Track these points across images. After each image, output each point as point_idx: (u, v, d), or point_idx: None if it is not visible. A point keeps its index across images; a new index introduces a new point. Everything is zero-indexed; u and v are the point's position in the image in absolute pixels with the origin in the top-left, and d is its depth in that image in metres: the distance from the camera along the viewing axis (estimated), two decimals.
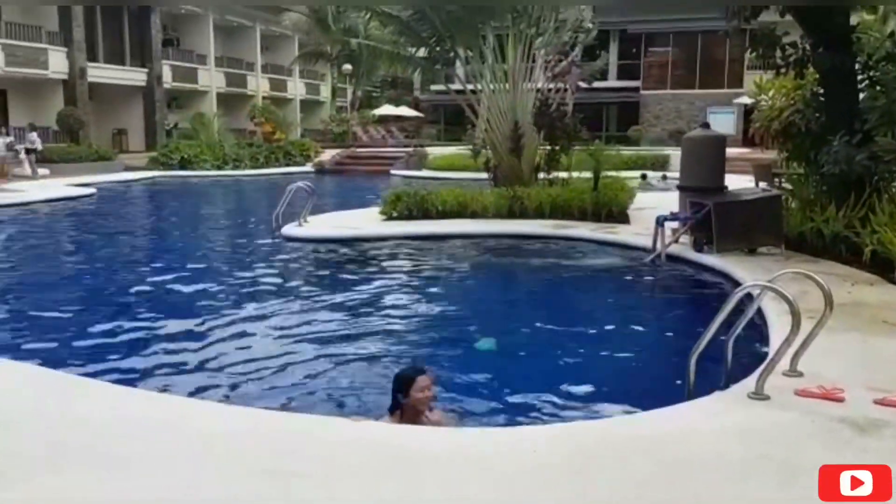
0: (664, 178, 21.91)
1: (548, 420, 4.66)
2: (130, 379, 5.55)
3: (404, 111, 44.65)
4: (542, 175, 15.14)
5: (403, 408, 4.36)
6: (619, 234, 11.59)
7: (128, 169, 27.15)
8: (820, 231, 9.16)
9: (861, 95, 9.76)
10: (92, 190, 20.21)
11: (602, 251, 10.93)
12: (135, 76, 33.56)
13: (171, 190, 23.58)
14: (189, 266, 10.51)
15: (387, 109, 44.01)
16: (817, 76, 10.17)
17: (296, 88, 45.78)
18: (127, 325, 7.21)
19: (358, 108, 42.08)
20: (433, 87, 43.34)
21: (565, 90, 16.09)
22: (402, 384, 4.38)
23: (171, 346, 6.55)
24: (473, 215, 13.31)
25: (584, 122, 15.78)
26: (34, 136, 24.03)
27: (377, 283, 9.19)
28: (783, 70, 10.08)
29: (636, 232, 11.39)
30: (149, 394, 4.80)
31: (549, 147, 15.12)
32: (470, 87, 16.30)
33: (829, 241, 9.03)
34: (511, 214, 13.31)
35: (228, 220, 17.67)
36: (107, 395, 4.56)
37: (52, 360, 5.65)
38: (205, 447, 3.74)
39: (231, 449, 3.72)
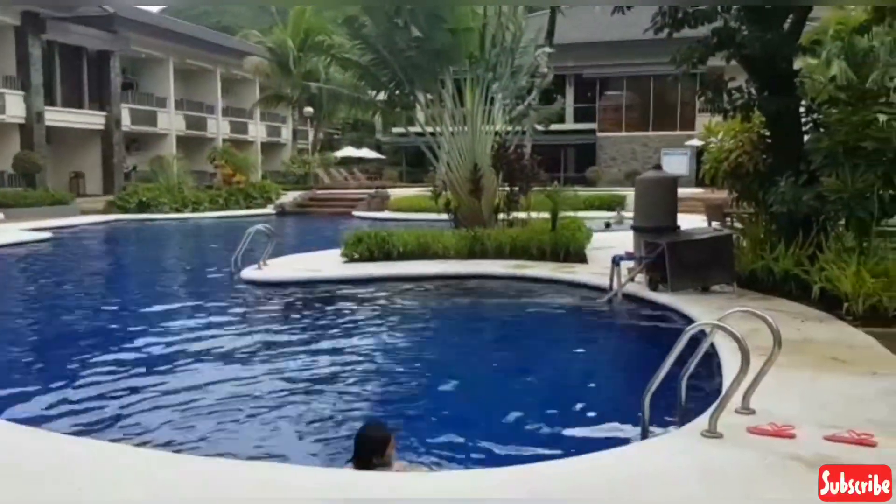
0: (619, 214, 22.52)
1: (503, 462, 4.66)
2: (78, 427, 5.45)
3: (366, 153, 44.86)
4: (501, 216, 15.33)
5: (374, 467, 4.29)
6: (577, 273, 11.72)
7: (85, 213, 26.73)
8: (770, 269, 9.37)
9: (806, 137, 10.10)
10: (47, 234, 19.85)
11: (561, 291, 11.04)
12: (93, 119, 33.29)
13: (129, 234, 23.28)
14: (145, 311, 10.36)
15: (348, 151, 44.16)
16: (764, 119, 10.52)
17: (256, 131, 45.75)
18: (78, 373, 7.07)
19: (319, 150, 42.15)
20: (395, 130, 43.70)
21: (523, 133, 16.38)
22: (379, 444, 4.37)
23: (123, 393, 6.41)
24: (434, 256, 13.38)
25: (542, 164, 16.02)
26: None
27: (337, 326, 9.15)
28: (730, 114, 10.39)
29: (593, 271, 11.54)
30: (102, 444, 4.71)
31: (508, 188, 15.33)
32: (430, 129, 16.50)
33: (780, 279, 9.24)
34: (472, 255, 13.41)
35: (187, 264, 17.47)
36: (53, 444, 4.48)
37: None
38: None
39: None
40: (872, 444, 4.29)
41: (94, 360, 7.60)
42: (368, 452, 4.33)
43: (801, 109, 10.22)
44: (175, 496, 3.74)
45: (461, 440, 5.24)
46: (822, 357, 6.35)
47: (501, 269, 12.40)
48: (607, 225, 21.91)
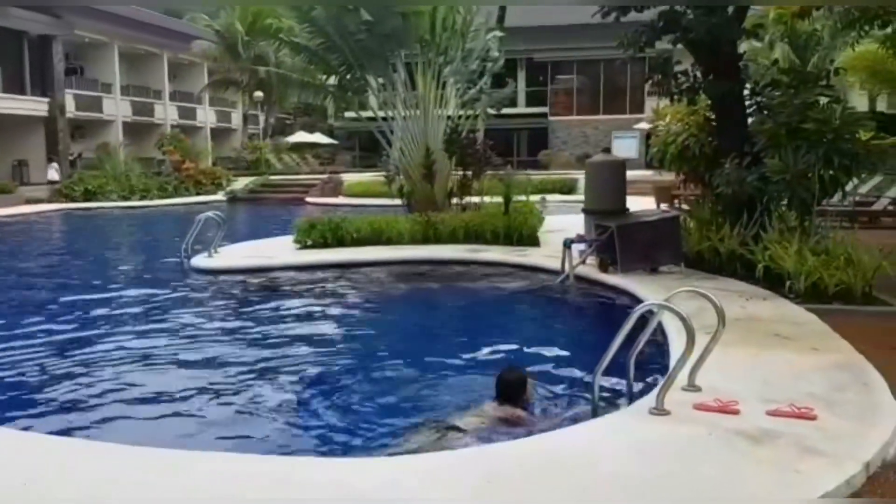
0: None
1: (456, 443, 4.70)
2: (29, 422, 5.34)
3: (319, 138, 44.39)
4: (455, 200, 15.36)
5: (519, 403, 5.03)
6: (530, 256, 11.81)
7: (29, 202, 26.10)
8: (716, 249, 9.57)
9: (749, 120, 10.30)
10: None
11: (514, 274, 11.12)
12: (36, 106, 32.34)
13: (75, 223, 22.75)
14: (92, 301, 10.13)
15: (301, 136, 43.64)
16: (709, 102, 10.70)
17: (206, 116, 44.96)
18: (24, 366, 6.91)
19: (271, 136, 41.62)
20: (347, 114, 43.32)
21: (476, 117, 16.39)
22: (522, 385, 5.10)
23: (72, 385, 6.29)
24: (388, 242, 13.36)
25: (494, 148, 16.07)
26: None
27: (290, 313, 9.09)
28: (677, 97, 10.55)
29: (546, 254, 11.63)
30: (50, 438, 4.63)
31: (461, 173, 15.35)
32: (382, 114, 16.42)
33: (726, 259, 9.45)
34: (426, 240, 13.43)
35: (135, 253, 17.14)
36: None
37: None
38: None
39: None
40: (812, 418, 4.43)
41: (33, 352, 7.39)
42: (515, 392, 5.06)
43: (746, 92, 10.41)
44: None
45: (413, 422, 5.25)
46: (766, 334, 6.51)
47: (455, 253, 12.44)
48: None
